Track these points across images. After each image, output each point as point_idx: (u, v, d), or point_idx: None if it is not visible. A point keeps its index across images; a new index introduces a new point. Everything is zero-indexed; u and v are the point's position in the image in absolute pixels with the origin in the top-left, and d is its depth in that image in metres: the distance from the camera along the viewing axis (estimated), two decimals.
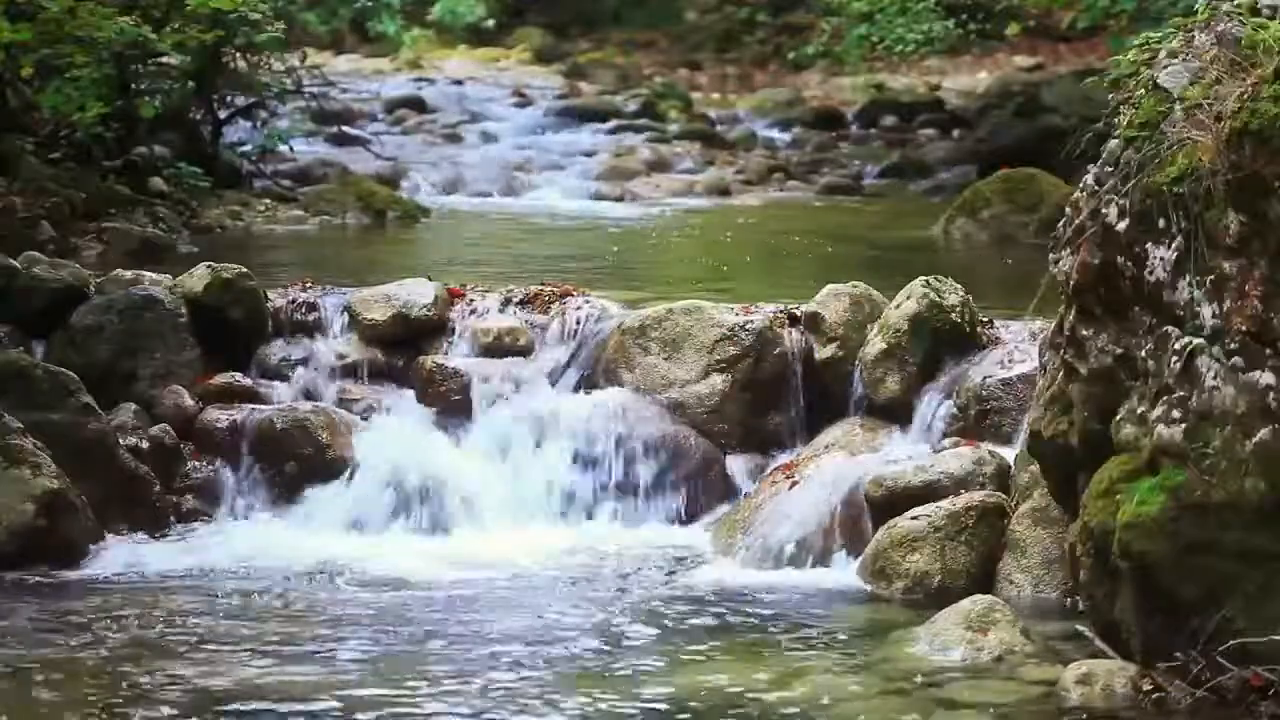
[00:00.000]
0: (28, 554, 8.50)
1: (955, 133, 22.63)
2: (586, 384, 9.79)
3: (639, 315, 9.87)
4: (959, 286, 9.53)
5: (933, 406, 9.23)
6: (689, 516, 9.39)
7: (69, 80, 13.40)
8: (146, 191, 14.04)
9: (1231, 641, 6.49)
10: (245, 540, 9.08)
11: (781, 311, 9.81)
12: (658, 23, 31.50)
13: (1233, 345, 6.52)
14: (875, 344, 9.42)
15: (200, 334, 9.93)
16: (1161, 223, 6.74)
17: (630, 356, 9.74)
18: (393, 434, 9.63)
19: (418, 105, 23.43)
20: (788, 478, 9.14)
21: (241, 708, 6.66)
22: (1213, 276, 6.58)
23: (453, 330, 10.12)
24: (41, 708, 6.63)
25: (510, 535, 9.15)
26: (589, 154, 20.32)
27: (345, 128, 19.73)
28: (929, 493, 8.52)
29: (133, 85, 14.61)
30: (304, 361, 10.03)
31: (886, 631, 7.59)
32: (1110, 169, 6.96)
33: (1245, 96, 6.51)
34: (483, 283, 10.62)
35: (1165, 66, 6.86)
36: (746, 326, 9.69)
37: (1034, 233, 13.53)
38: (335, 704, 6.70)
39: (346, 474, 9.45)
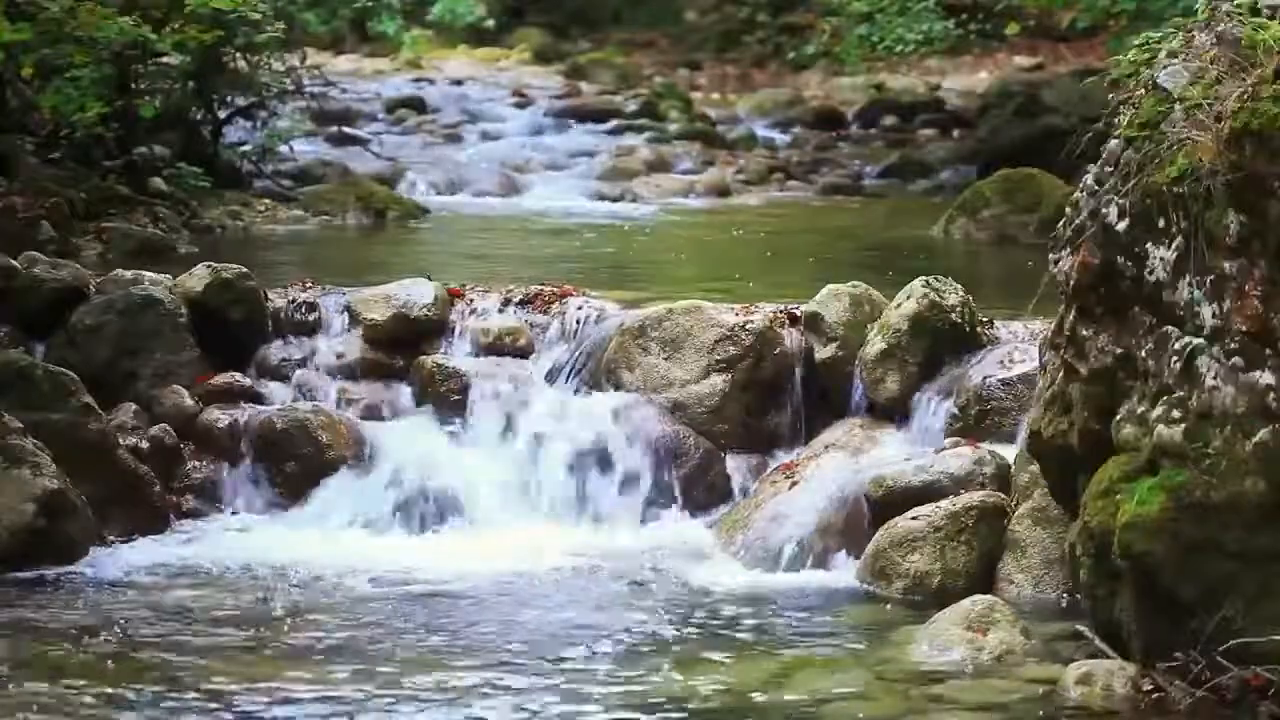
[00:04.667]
0: (28, 554, 8.50)
1: (955, 133, 22.63)
2: (586, 384, 9.78)
3: (639, 315, 9.86)
4: (959, 286, 9.53)
5: (933, 406, 9.23)
6: (689, 516, 9.38)
7: (69, 80, 13.40)
8: (146, 191, 14.03)
9: (1231, 641, 6.49)
10: (245, 540, 9.09)
11: (781, 311, 9.80)
12: (658, 23, 31.49)
13: (1233, 345, 6.53)
14: (875, 344, 9.42)
15: (200, 334, 9.92)
16: (1161, 223, 6.75)
17: (630, 356, 9.74)
18: (393, 434, 9.64)
19: (418, 105, 23.41)
20: (788, 478, 9.14)
21: (242, 707, 6.66)
22: (1213, 276, 6.58)
23: (453, 330, 10.12)
24: (41, 708, 6.62)
25: (509, 535, 9.14)
26: (589, 154, 20.30)
27: (345, 128, 19.71)
28: (929, 493, 8.52)
29: (133, 85, 14.59)
30: (304, 361, 10.03)
31: (886, 631, 7.59)
32: (1110, 169, 6.97)
33: (1245, 96, 6.51)
34: (483, 283, 10.62)
35: (1165, 66, 6.86)
36: (746, 326, 9.69)
37: (1034, 233, 13.52)
38: (336, 703, 6.70)
39: (346, 474, 9.45)
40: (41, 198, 12.63)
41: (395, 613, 7.93)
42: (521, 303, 10.29)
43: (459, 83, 26.38)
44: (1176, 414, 6.66)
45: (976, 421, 9.06)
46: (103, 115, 13.40)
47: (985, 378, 9.14)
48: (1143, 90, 6.92)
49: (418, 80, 26.33)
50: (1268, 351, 6.47)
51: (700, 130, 22.21)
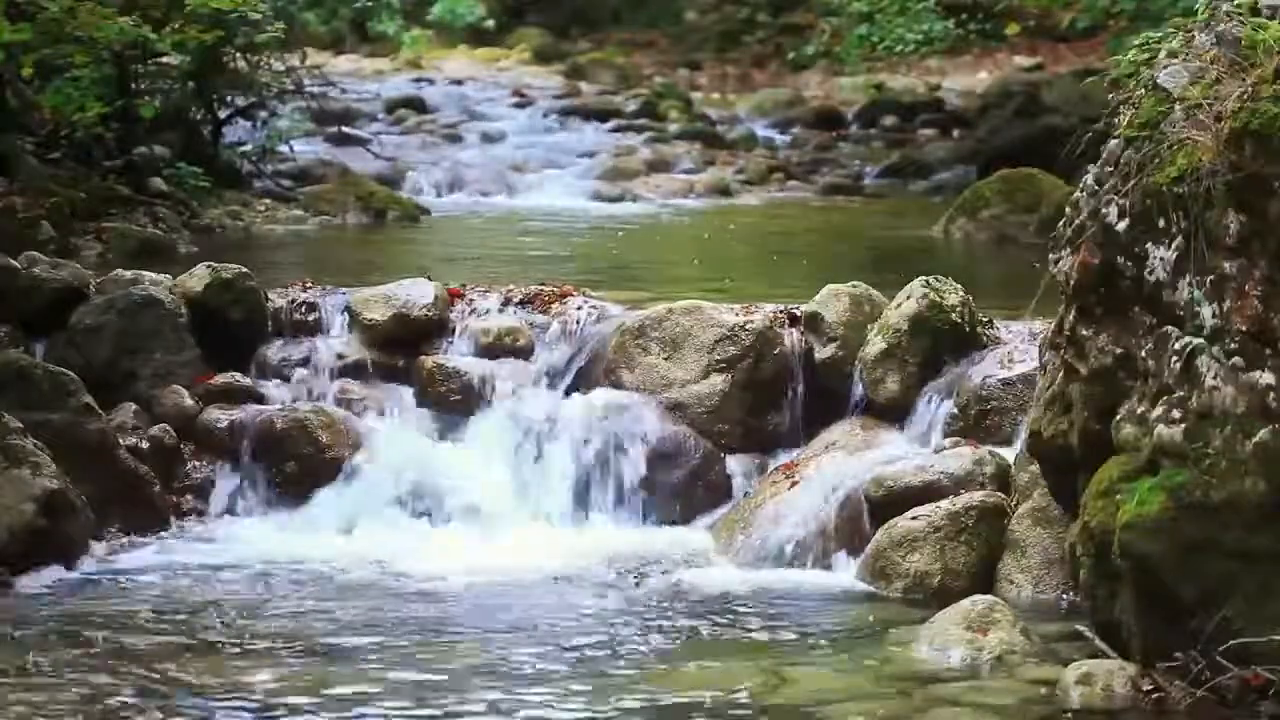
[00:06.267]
0: (28, 554, 8.49)
1: (955, 133, 22.64)
2: (587, 384, 9.78)
3: (639, 315, 9.86)
4: (959, 286, 9.53)
5: (933, 406, 9.23)
6: (689, 516, 9.38)
7: (69, 80, 13.41)
8: (146, 191, 14.03)
9: (1231, 641, 6.49)
10: (245, 540, 9.09)
11: (781, 311, 9.80)
12: (658, 23, 31.52)
13: (1233, 345, 6.53)
14: (875, 344, 9.42)
15: (200, 334, 9.92)
16: (1161, 223, 6.75)
17: (630, 356, 9.74)
18: (392, 434, 9.64)
19: (418, 105, 23.43)
20: (788, 478, 9.14)
21: (242, 707, 6.66)
22: (1213, 276, 6.58)
23: (453, 330, 10.11)
24: (42, 708, 6.62)
25: (509, 536, 9.14)
26: (589, 154, 20.33)
27: (345, 128, 19.73)
28: (929, 493, 8.52)
29: (133, 85, 14.61)
30: (304, 361, 10.03)
31: (886, 631, 7.59)
32: (1110, 169, 6.96)
33: (1245, 96, 6.51)
34: (483, 283, 10.62)
35: (1165, 66, 6.86)
36: (746, 326, 9.68)
37: (1034, 233, 13.53)
38: (335, 703, 6.70)
39: (346, 474, 9.45)
40: (41, 198, 12.63)
41: (394, 613, 7.92)
42: (521, 303, 10.28)
43: (459, 83, 26.40)
44: (1176, 414, 6.66)
45: (976, 421, 9.05)
46: (103, 115, 13.40)
47: (985, 378, 9.13)
48: (1143, 90, 6.92)
49: (418, 80, 26.35)
50: (1268, 351, 6.47)
51: (700, 130, 22.23)
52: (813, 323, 9.70)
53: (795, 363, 9.66)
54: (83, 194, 13.15)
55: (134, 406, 9.61)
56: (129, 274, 10.18)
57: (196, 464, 9.57)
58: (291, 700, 6.73)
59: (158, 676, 6.97)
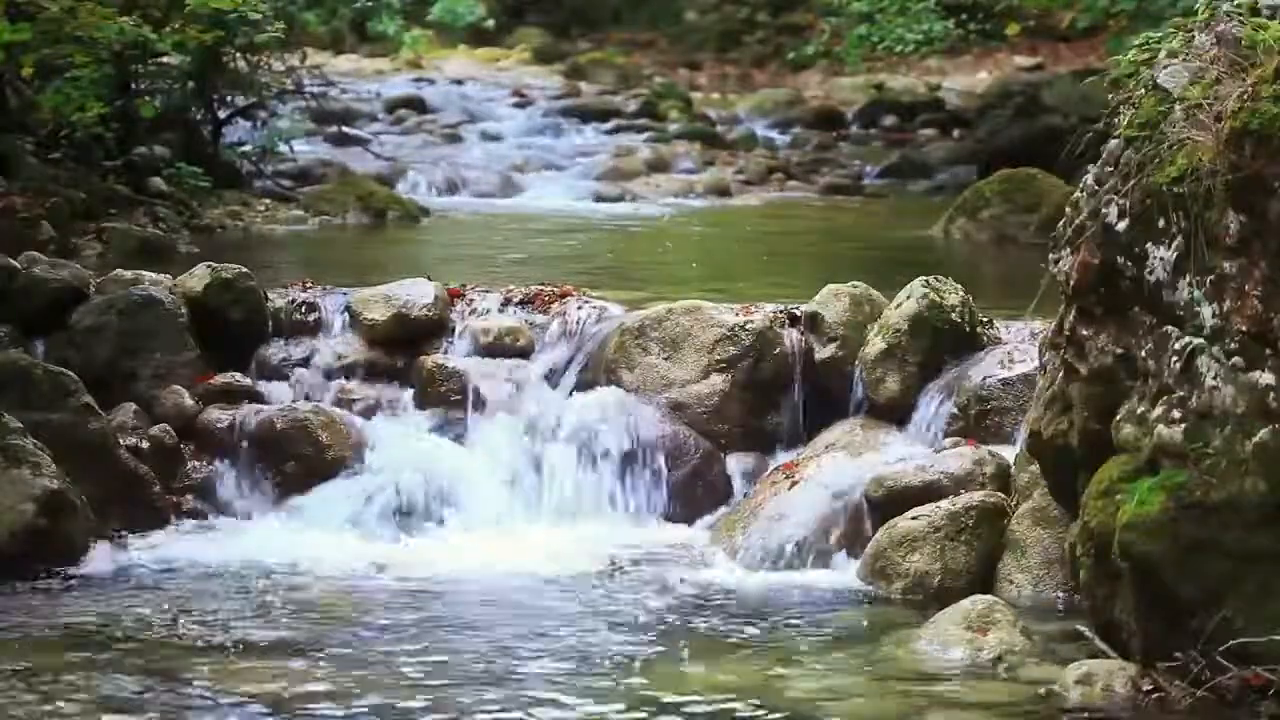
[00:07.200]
0: (28, 554, 8.49)
1: (955, 133, 22.67)
2: (586, 384, 9.78)
3: (639, 315, 9.87)
4: (959, 286, 9.53)
5: (933, 406, 9.23)
6: (689, 516, 9.38)
7: (69, 80, 13.41)
8: (146, 191, 14.04)
9: (1231, 641, 6.49)
10: (245, 540, 9.09)
11: (781, 311, 9.81)
12: (658, 23, 31.53)
13: (1233, 345, 6.53)
14: (875, 344, 9.43)
15: (200, 334, 9.92)
16: (1161, 223, 6.75)
17: (630, 356, 9.74)
18: (392, 434, 9.64)
19: (418, 105, 23.45)
20: (788, 478, 9.14)
21: (240, 707, 6.66)
22: (1213, 276, 6.58)
23: (453, 330, 10.12)
24: (42, 709, 6.62)
25: (509, 536, 9.15)
26: (589, 154, 20.34)
27: (345, 128, 19.74)
28: (929, 493, 8.52)
29: (133, 85, 14.61)
30: (304, 361, 10.03)
31: (886, 631, 7.59)
32: (1110, 169, 6.96)
33: (1245, 96, 6.51)
34: (483, 283, 10.62)
35: (1165, 66, 6.86)
36: (746, 326, 9.69)
37: (1034, 233, 13.53)
38: (334, 703, 6.70)
39: (346, 474, 9.45)
40: (41, 198, 12.63)
41: (394, 613, 7.92)
42: (521, 303, 10.29)
43: (459, 83, 26.42)
44: (1176, 414, 6.66)
45: (976, 421, 9.06)
46: (103, 115, 13.40)
47: (985, 378, 9.14)
48: (1143, 90, 6.92)
49: (418, 80, 26.36)
50: (1268, 351, 6.47)
51: (700, 130, 22.25)
52: (813, 323, 9.70)
53: (795, 363, 9.66)
54: (83, 194, 13.16)
55: (134, 406, 9.61)
56: (129, 274, 10.20)
57: (196, 464, 9.57)
58: (291, 700, 6.73)
59: (158, 676, 6.97)
